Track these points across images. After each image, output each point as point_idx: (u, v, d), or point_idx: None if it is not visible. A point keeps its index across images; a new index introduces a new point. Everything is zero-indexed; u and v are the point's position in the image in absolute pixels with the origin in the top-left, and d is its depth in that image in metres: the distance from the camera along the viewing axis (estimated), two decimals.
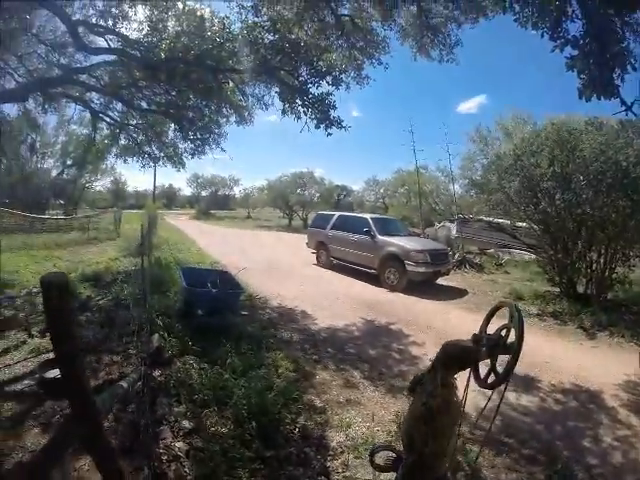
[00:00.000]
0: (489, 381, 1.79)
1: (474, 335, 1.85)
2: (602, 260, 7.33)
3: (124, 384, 2.76)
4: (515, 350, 1.63)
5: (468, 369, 1.80)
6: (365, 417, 3.44)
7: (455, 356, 1.69)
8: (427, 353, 5.02)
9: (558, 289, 8.14)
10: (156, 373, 3.70)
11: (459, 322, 6.62)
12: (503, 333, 1.78)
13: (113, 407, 2.90)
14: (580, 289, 7.86)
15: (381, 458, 1.74)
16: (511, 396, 4.05)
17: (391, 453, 1.73)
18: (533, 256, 10.57)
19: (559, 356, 5.28)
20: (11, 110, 10.88)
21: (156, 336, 4.23)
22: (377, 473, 2.39)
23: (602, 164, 6.58)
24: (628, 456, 3.20)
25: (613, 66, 2.60)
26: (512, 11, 2.92)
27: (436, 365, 1.67)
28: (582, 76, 2.68)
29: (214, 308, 4.77)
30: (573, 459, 3.08)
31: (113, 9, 6.73)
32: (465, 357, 1.70)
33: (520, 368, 4.74)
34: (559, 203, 7.33)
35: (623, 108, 2.68)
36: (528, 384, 4.40)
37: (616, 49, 2.61)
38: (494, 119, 21.98)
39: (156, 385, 3.46)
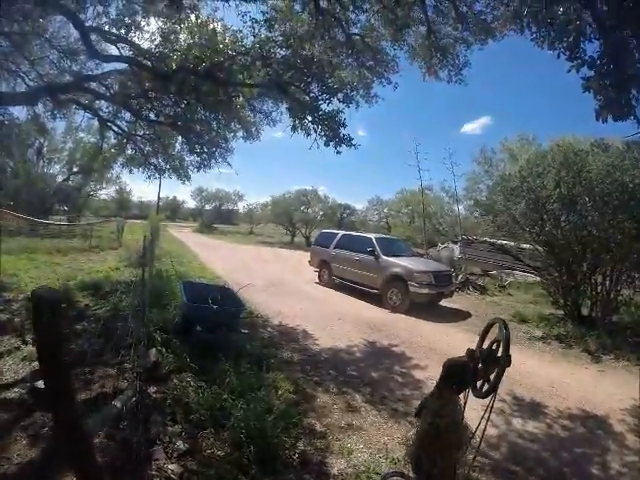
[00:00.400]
0: (483, 390, 1.88)
1: (469, 350, 1.97)
2: (607, 282, 7.25)
3: (118, 404, 2.67)
4: (502, 362, 1.72)
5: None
6: (367, 443, 3.33)
7: (455, 373, 1.79)
8: (430, 377, 4.89)
9: (562, 312, 8.05)
10: (151, 389, 3.59)
11: (462, 345, 6.38)
12: (494, 347, 1.86)
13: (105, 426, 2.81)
14: (585, 312, 7.77)
15: None
16: (517, 422, 3.98)
17: (402, 479, 1.75)
18: (536, 278, 10.49)
19: (565, 380, 5.19)
20: (20, 113, 11.00)
21: (153, 351, 4.13)
22: None
23: (608, 186, 6.57)
24: None
25: (629, 87, 2.58)
26: (529, 31, 2.92)
27: (440, 384, 1.71)
28: (599, 97, 2.66)
29: (214, 325, 4.67)
30: None
31: (126, 18, 6.81)
32: (463, 373, 1.80)
33: (526, 393, 4.66)
34: (565, 225, 7.31)
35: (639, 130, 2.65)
36: (534, 410, 4.30)
37: (633, 70, 2.59)
38: (499, 140, 22.21)
39: (151, 402, 3.36)
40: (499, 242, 13.05)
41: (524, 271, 12.51)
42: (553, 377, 5.26)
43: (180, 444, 2.85)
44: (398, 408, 4.05)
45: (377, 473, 2.89)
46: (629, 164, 6.69)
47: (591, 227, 6.90)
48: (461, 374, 1.75)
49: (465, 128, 73.33)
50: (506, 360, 1.74)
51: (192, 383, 3.75)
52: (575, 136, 12.45)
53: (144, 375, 3.61)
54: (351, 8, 5.94)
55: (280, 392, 3.89)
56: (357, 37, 6.51)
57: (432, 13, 6.17)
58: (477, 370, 1.84)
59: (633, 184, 6.45)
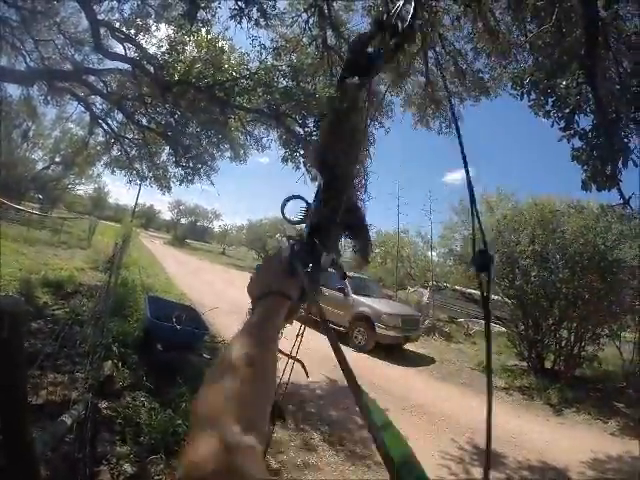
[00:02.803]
0: None
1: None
2: (572, 337, 7.46)
3: (67, 420, 2.46)
4: None
5: None
6: None
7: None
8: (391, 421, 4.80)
9: (526, 363, 8.17)
10: (102, 404, 3.37)
11: (425, 390, 6.52)
12: None
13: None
14: (548, 365, 7.92)
15: None
16: (477, 472, 3.94)
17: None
18: (502, 329, 10.66)
19: (526, 432, 5.21)
20: (15, 92, 10.65)
21: (109, 363, 3.93)
22: None
23: (581, 246, 6.90)
24: None
25: (616, 160, 2.73)
26: (528, 97, 3.07)
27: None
28: (585, 167, 2.81)
29: (176, 345, 4.47)
30: None
31: (139, 19, 6.79)
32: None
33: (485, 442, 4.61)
34: (535, 280, 7.53)
35: (621, 201, 2.79)
36: (494, 460, 4.24)
37: (620, 145, 2.75)
38: (479, 192, 22.99)
39: (101, 418, 3.15)
40: (468, 291, 13.29)
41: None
42: (514, 428, 5.26)
43: (127, 467, 2.65)
44: (356, 450, 3.95)
45: None
46: (602, 227, 7.04)
47: (560, 284, 7.13)
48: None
49: (448, 177, 76.17)
50: None
51: (146, 403, 3.54)
52: (552, 196, 13.10)
53: (96, 388, 3.39)
54: None
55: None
56: None
57: (432, 65, 6.49)
58: None
59: (605, 246, 6.78)
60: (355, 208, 0.94)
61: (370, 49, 0.87)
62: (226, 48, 6.59)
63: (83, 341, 4.22)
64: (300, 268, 0.73)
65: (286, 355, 0.77)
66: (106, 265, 5.64)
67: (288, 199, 1.01)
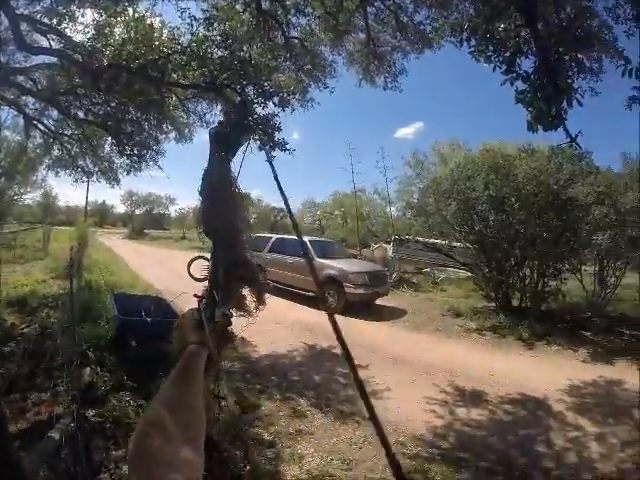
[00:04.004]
0: None
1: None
2: (535, 275, 7.89)
3: (55, 435, 2.41)
4: None
5: None
6: (317, 447, 3.32)
7: None
8: (372, 375, 5.00)
9: (494, 304, 8.57)
10: (89, 413, 3.33)
11: (401, 341, 6.75)
12: None
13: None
14: (515, 303, 8.37)
15: None
16: (461, 412, 4.16)
17: None
18: (468, 274, 11.13)
19: (502, 368, 5.50)
20: None
21: (87, 370, 3.88)
22: None
23: (535, 187, 7.18)
24: (582, 455, 3.38)
25: (561, 101, 2.79)
26: (468, 44, 3.06)
27: None
28: (530, 109, 2.86)
29: (149, 338, 4.40)
30: (530, 465, 3.19)
31: (60, 7, 6.22)
32: None
33: (466, 383, 4.90)
34: (493, 224, 7.87)
35: (568, 139, 2.88)
36: (476, 398, 4.53)
37: (564, 85, 2.81)
38: (430, 145, 23.28)
39: (90, 427, 3.11)
40: (431, 241, 13.69)
41: (456, 268, 13.16)
42: (490, 366, 5.57)
43: (126, 468, 2.64)
44: (344, 409, 4.08)
45: (331, 475, 2.89)
46: (553, 168, 7.34)
47: (518, 225, 7.46)
48: None
49: (399, 133, 76.57)
50: None
51: (131, 402, 3.53)
52: (503, 142, 13.45)
53: (79, 398, 3.33)
54: (293, 11, 5.95)
55: (223, 404, 3.75)
56: (296, 41, 6.50)
57: (372, 21, 6.36)
58: None
59: (557, 186, 7.09)
60: (245, 261, 1.10)
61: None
62: (156, 24, 6.21)
63: (57, 353, 4.13)
64: (205, 321, 0.88)
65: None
66: (67, 271, 5.42)
67: (193, 260, 1.26)
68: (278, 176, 0.87)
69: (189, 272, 1.22)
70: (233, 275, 1.03)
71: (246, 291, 1.09)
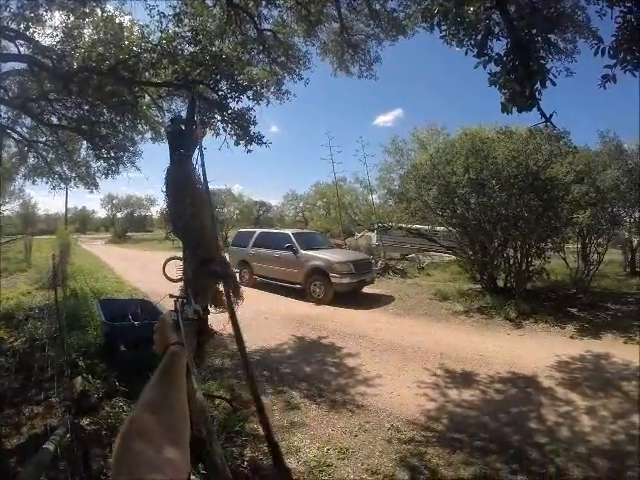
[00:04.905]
0: None
1: None
2: (519, 255, 8.02)
3: (50, 446, 2.37)
4: None
5: None
6: (313, 438, 3.35)
7: None
8: (362, 363, 5.06)
9: (480, 286, 8.73)
10: (84, 422, 3.32)
11: (390, 328, 6.80)
12: None
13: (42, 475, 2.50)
14: (501, 283, 8.52)
15: None
16: (453, 393, 4.23)
17: None
18: (452, 257, 11.25)
19: (491, 348, 5.60)
20: None
21: (79, 379, 3.84)
22: None
23: (514, 169, 7.27)
24: (574, 429, 3.46)
25: (534, 81, 2.82)
26: (439, 28, 3.06)
27: None
28: (504, 91, 2.88)
29: (138, 341, 4.37)
30: (524, 442, 3.25)
31: (27, 12, 6.03)
32: None
33: (456, 365, 4.98)
34: (475, 207, 7.96)
35: (542, 120, 2.91)
36: (467, 379, 4.61)
37: (537, 66, 2.84)
38: (409, 131, 23.23)
39: (86, 436, 3.10)
40: (414, 227, 13.78)
41: (440, 252, 13.28)
42: (479, 346, 5.67)
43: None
44: (336, 398, 4.11)
45: (328, 465, 2.92)
46: (532, 149, 7.42)
47: (499, 207, 7.55)
48: None
49: (378, 120, 76.68)
50: None
51: (125, 407, 3.51)
52: (481, 125, 13.52)
53: (73, 407, 3.31)
54: (264, 3, 5.87)
55: (217, 402, 3.76)
56: (269, 33, 6.46)
57: (345, 10, 6.33)
58: None
59: (536, 166, 7.19)
60: (218, 258, 1.12)
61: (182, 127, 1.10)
62: (126, 23, 6.07)
63: (47, 365, 4.09)
64: (181, 321, 0.91)
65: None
66: (51, 281, 5.35)
67: (167, 260, 1.27)
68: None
69: (164, 273, 1.21)
70: (204, 272, 1.03)
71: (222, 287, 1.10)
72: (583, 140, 25.83)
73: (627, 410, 3.76)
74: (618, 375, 4.59)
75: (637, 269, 10.93)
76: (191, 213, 1.05)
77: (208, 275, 1.06)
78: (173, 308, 0.99)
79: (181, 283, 1.10)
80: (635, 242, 10.83)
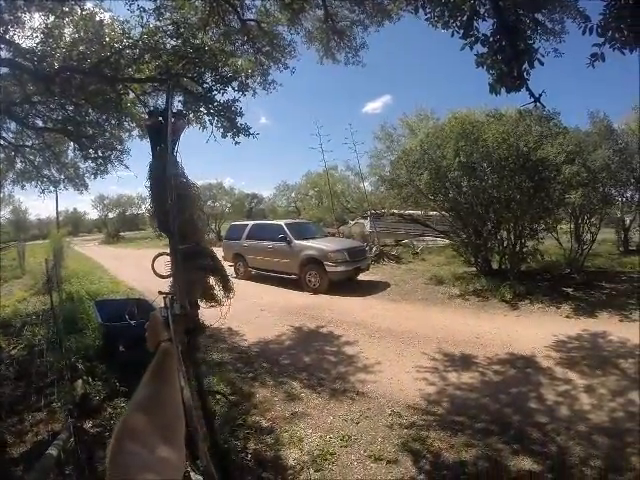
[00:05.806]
0: None
1: None
2: (512, 237, 8.05)
3: (53, 452, 2.38)
4: None
5: None
6: (315, 427, 3.37)
7: None
8: (361, 351, 5.09)
9: (475, 269, 8.77)
10: (87, 425, 3.33)
11: (387, 314, 6.83)
12: None
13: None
14: (495, 266, 8.57)
15: None
16: (452, 376, 4.26)
17: None
18: (446, 241, 11.28)
19: (488, 330, 5.65)
20: None
21: (79, 382, 3.84)
22: None
23: (504, 151, 7.26)
24: (574, 407, 3.50)
25: (522, 62, 2.79)
26: (424, 11, 3.01)
27: None
28: (492, 72, 2.85)
29: (136, 341, 4.37)
30: (524, 422, 3.29)
31: (6, 14, 5.90)
32: None
33: (454, 348, 5.01)
34: (466, 190, 7.94)
35: (532, 100, 2.89)
36: (465, 362, 4.64)
37: (524, 46, 2.81)
38: (398, 117, 23.14)
39: (90, 438, 3.10)
40: (407, 212, 13.78)
41: (434, 236, 13.33)
42: (476, 329, 5.71)
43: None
44: (336, 387, 4.14)
45: (332, 453, 2.95)
46: (522, 130, 7.42)
47: (491, 189, 7.56)
48: None
49: (367, 107, 76.24)
50: None
51: (126, 408, 3.49)
52: (471, 108, 13.45)
53: (75, 411, 3.34)
54: None
55: (218, 397, 3.78)
56: (252, 23, 6.38)
57: None
58: None
59: (527, 148, 7.18)
60: (207, 252, 1.13)
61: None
62: (106, 20, 5.95)
63: (47, 370, 4.09)
64: (170, 318, 0.91)
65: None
66: (45, 286, 5.32)
67: (156, 257, 1.22)
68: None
69: (154, 270, 1.19)
70: (192, 267, 1.03)
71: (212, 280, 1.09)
72: (573, 121, 25.89)
73: (625, 387, 3.80)
74: (615, 353, 4.64)
75: (630, 248, 11.03)
76: (175, 207, 1.03)
77: (196, 269, 1.05)
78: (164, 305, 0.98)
79: (172, 279, 1.09)
80: (627, 221, 10.94)
